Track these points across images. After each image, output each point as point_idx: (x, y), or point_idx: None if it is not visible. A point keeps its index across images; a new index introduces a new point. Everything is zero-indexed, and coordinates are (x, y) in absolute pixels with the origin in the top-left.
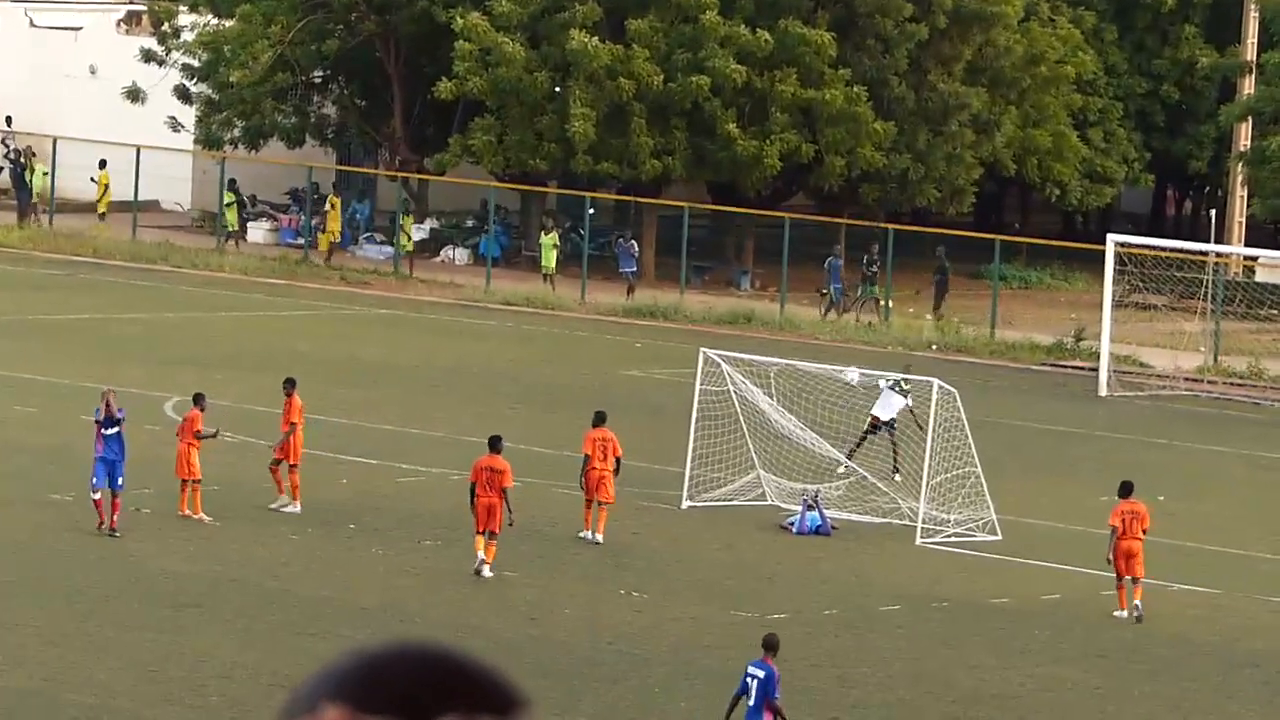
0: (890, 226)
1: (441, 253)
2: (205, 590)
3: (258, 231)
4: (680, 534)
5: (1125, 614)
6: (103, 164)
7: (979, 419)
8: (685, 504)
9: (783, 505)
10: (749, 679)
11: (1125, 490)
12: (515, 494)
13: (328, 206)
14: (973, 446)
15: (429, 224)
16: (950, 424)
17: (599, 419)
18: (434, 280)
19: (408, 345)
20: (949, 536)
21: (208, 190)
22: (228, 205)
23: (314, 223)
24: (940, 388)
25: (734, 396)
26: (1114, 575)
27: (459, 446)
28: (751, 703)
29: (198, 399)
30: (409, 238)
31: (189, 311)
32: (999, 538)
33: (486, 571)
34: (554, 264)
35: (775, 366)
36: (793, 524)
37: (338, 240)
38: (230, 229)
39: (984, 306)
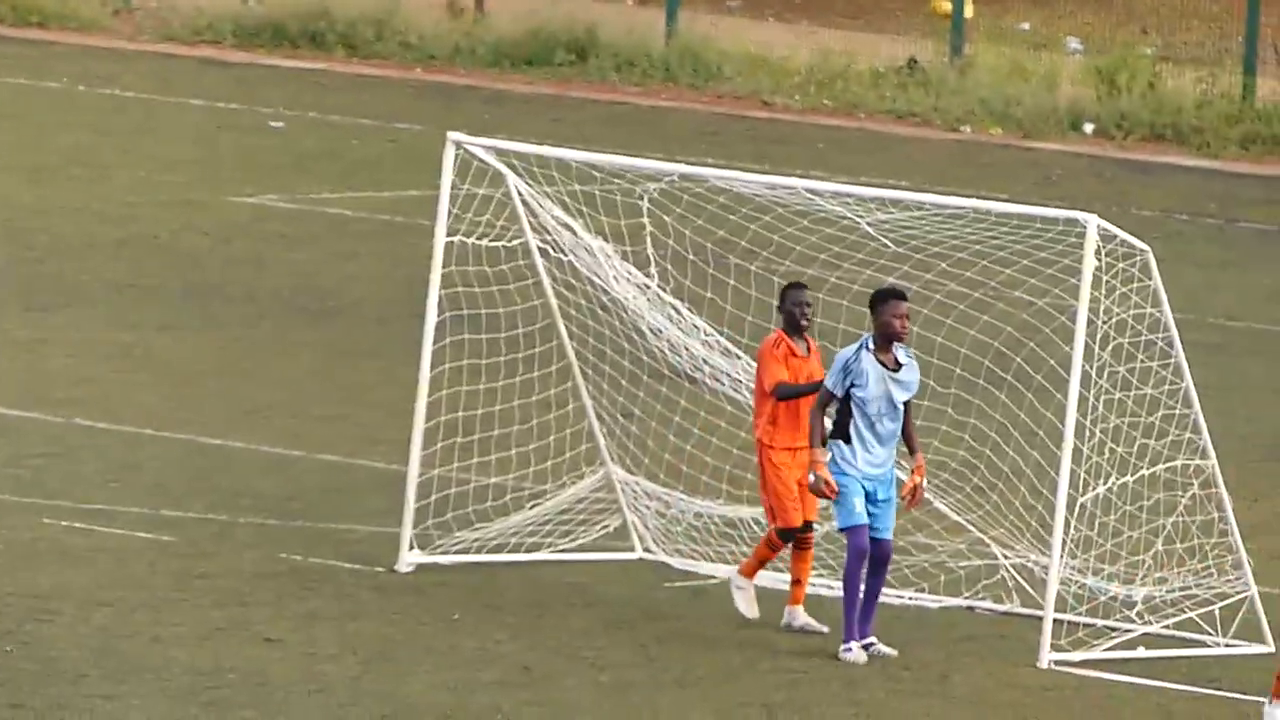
0: None
1: None
2: None
3: None
4: None
5: None
6: None
7: (1208, 317)
8: (407, 563)
9: (666, 557)
10: None
11: None
12: None
13: None
14: (1194, 395)
15: None
16: (1149, 333)
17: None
18: None
19: None
20: (1133, 643)
21: None
22: None
23: None
24: (1131, 246)
25: (535, 255)
26: None
27: None
28: None
29: None
30: None
31: None
32: (1270, 648)
33: None
34: None
35: (668, 176)
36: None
37: None
38: None
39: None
